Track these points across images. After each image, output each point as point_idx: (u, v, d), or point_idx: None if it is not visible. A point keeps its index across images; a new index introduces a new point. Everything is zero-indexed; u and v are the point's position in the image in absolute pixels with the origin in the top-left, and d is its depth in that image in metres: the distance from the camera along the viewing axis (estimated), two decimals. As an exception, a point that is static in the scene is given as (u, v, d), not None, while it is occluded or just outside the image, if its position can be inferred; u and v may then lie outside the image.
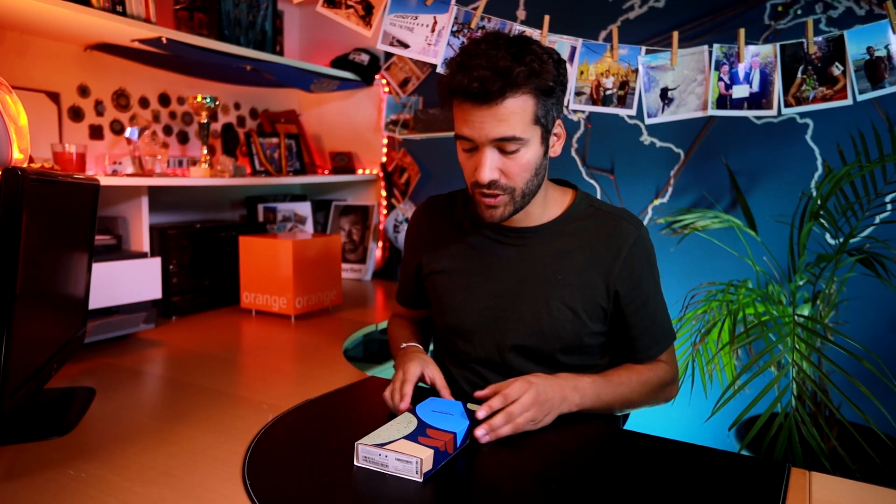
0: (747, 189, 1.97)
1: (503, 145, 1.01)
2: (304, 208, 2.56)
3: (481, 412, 0.96)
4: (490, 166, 1.01)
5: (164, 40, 1.71)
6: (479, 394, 1.02)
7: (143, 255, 1.72)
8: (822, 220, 1.70)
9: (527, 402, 0.97)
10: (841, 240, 1.69)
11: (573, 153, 2.24)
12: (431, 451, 0.84)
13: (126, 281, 1.62)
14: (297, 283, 1.86)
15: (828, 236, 1.87)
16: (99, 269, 1.51)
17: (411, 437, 0.89)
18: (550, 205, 1.16)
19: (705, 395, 1.81)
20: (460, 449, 0.92)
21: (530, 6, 2.24)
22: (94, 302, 1.49)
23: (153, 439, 0.99)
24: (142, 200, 1.81)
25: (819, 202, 1.66)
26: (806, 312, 1.74)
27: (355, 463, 0.87)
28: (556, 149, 1.10)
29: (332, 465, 0.87)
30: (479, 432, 0.94)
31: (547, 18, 1.61)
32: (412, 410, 0.99)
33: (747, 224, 1.88)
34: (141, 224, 1.81)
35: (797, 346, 1.45)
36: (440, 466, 0.87)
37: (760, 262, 1.92)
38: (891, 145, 1.68)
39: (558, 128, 1.09)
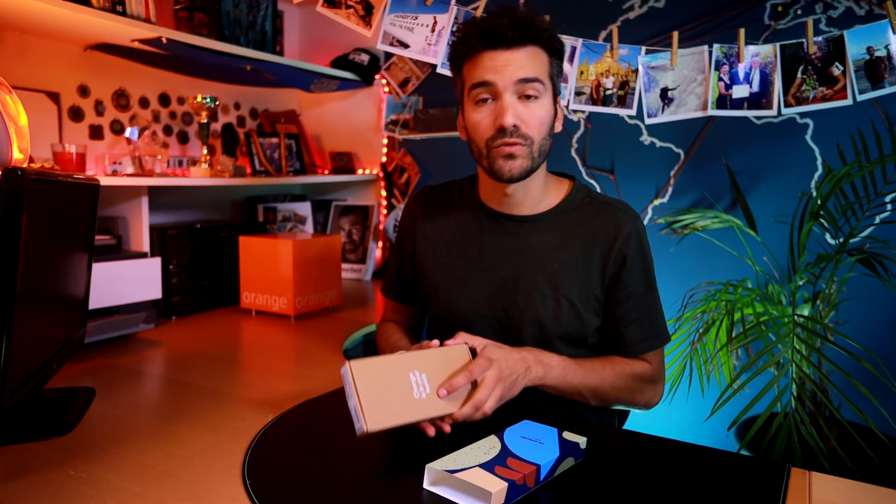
0: (747, 189, 1.97)
1: (524, 88, 1.03)
2: (304, 208, 2.56)
3: (443, 391, 0.92)
4: (513, 111, 1.03)
5: (164, 40, 1.71)
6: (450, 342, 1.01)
7: (143, 255, 1.72)
8: (822, 220, 1.69)
9: (491, 382, 0.95)
10: (841, 240, 1.69)
11: (573, 153, 2.24)
12: (505, 485, 0.75)
13: (126, 281, 1.62)
14: (297, 283, 1.86)
15: (828, 236, 1.87)
16: (99, 269, 1.51)
17: (488, 465, 0.80)
18: (548, 193, 1.17)
19: (703, 394, 1.81)
20: (544, 482, 0.82)
21: (530, 6, 2.24)
22: (94, 302, 1.49)
23: (153, 439, 0.99)
24: (142, 200, 1.81)
25: (819, 202, 1.66)
26: (806, 312, 1.74)
27: (424, 486, 0.80)
28: (557, 125, 1.13)
29: (332, 465, 0.87)
30: (447, 426, 0.93)
31: (547, 18, 1.61)
32: (499, 434, 0.90)
33: (747, 224, 1.88)
34: (141, 224, 1.81)
35: (797, 347, 1.45)
36: (516, 500, 0.78)
37: (760, 262, 1.92)
38: (891, 145, 1.67)
39: (558, 105, 1.13)
